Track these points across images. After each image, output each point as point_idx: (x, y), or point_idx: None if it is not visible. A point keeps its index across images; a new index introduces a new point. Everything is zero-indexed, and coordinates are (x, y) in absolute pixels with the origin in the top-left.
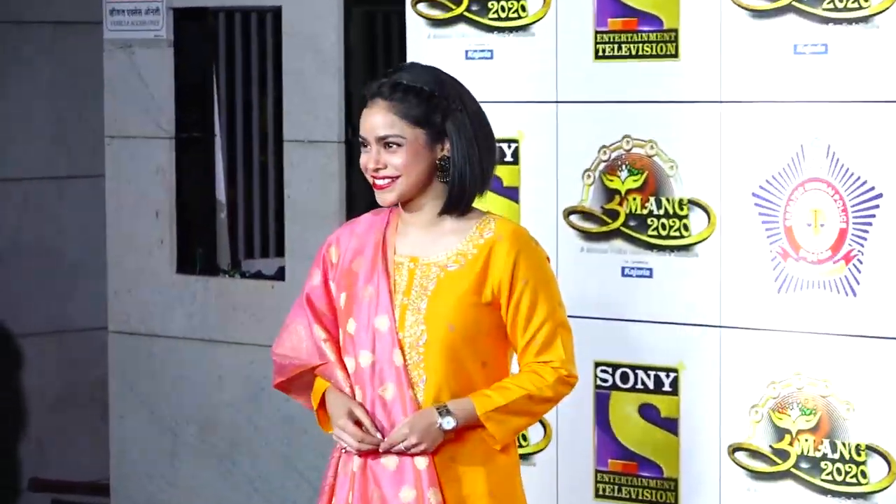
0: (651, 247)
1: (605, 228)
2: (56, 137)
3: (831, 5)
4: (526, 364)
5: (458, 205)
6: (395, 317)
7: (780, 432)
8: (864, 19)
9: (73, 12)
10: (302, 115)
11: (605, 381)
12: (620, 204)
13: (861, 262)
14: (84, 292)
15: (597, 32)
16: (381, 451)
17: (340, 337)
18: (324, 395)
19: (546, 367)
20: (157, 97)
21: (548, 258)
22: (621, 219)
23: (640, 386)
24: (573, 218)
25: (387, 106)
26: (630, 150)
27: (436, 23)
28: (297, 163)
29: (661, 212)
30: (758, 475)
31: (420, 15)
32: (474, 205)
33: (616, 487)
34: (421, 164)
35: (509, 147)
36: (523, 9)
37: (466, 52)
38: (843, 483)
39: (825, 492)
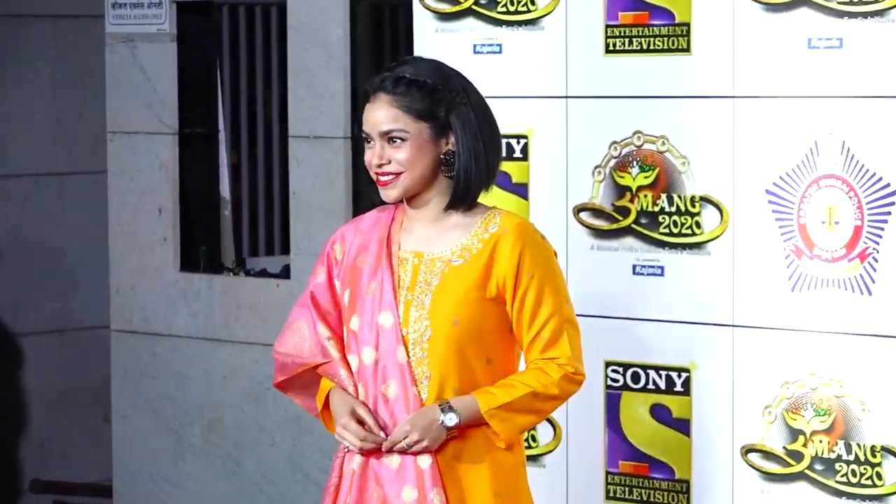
0: (662, 245)
1: (615, 226)
2: (57, 133)
3: None
4: (532, 361)
5: (463, 200)
6: (399, 313)
7: (794, 433)
8: (880, 13)
9: (75, 6)
10: (307, 111)
11: (615, 381)
12: (631, 201)
13: (876, 261)
14: (86, 290)
15: (607, 26)
16: (383, 450)
17: (344, 334)
18: (328, 395)
19: (552, 364)
20: (159, 92)
21: (555, 253)
22: (632, 216)
23: (651, 386)
24: (583, 215)
25: (390, 100)
26: (641, 146)
27: (443, 16)
28: (302, 159)
29: (673, 209)
30: (771, 477)
31: (427, 8)
32: (481, 200)
33: (627, 489)
34: (425, 158)
35: (518, 143)
36: (532, 2)
37: (474, 46)
38: (858, 485)
39: (840, 494)
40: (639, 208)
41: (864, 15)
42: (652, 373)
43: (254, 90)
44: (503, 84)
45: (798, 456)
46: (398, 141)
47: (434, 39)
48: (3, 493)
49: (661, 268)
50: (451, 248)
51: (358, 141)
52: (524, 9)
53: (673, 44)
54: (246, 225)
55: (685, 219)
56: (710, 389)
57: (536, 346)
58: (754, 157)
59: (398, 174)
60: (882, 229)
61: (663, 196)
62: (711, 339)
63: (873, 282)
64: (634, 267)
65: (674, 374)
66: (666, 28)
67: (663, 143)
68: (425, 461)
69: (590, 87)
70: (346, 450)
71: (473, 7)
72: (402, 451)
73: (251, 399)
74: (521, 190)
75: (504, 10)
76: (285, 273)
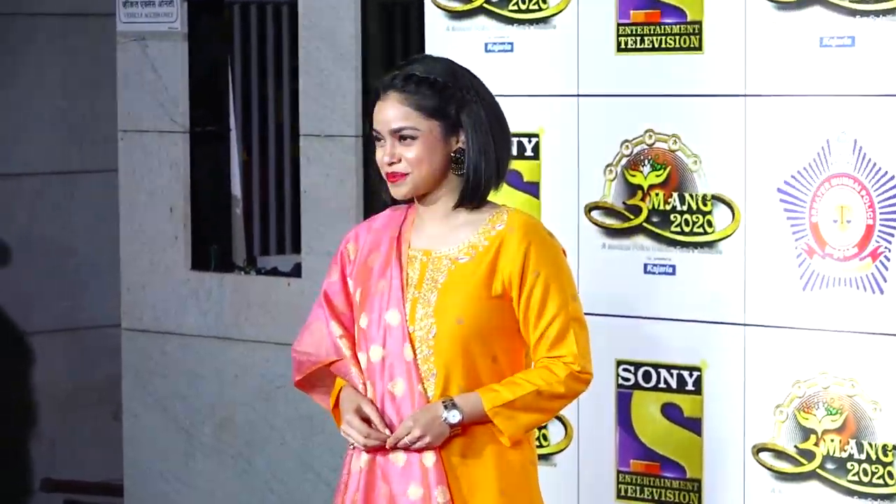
0: (674, 243)
1: (627, 224)
2: (68, 132)
3: None
4: (538, 360)
5: (472, 198)
6: (406, 311)
7: (806, 432)
8: (892, 11)
9: (86, 5)
10: (318, 109)
11: (627, 380)
12: (643, 199)
13: (888, 259)
14: (96, 289)
15: (619, 24)
16: (387, 446)
17: (355, 332)
18: (339, 393)
19: (557, 363)
20: (170, 91)
21: (563, 251)
22: (643, 215)
23: (662, 385)
24: (595, 214)
25: (400, 98)
26: (653, 144)
27: (455, 15)
28: (313, 157)
29: (685, 208)
30: (782, 476)
31: (439, 7)
32: (492, 198)
33: (638, 488)
34: (436, 156)
35: (530, 141)
36: (544, 0)
37: (486, 44)
38: (870, 484)
39: (851, 493)
40: (650, 207)
41: (877, 13)
42: (663, 372)
43: (265, 89)
44: (514, 82)
45: (809, 455)
46: (409, 139)
47: (445, 38)
48: (13, 492)
49: (673, 266)
50: (458, 245)
51: (369, 139)
52: (536, 7)
53: (685, 42)
54: (257, 223)
55: (697, 217)
56: (721, 388)
57: (543, 344)
58: (766, 155)
59: (408, 172)
60: (894, 228)
61: (675, 195)
62: (723, 338)
63: (885, 281)
64: (646, 266)
65: (685, 374)
66: (678, 26)
67: (675, 142)
68: (430, 459)
69: (601, 86)
70: (353, 448)
71: (485, 5)
72: (406, 448)
73: (262, 398)
74: (533, 188)
75: (515, 8)
76: (296, 272)
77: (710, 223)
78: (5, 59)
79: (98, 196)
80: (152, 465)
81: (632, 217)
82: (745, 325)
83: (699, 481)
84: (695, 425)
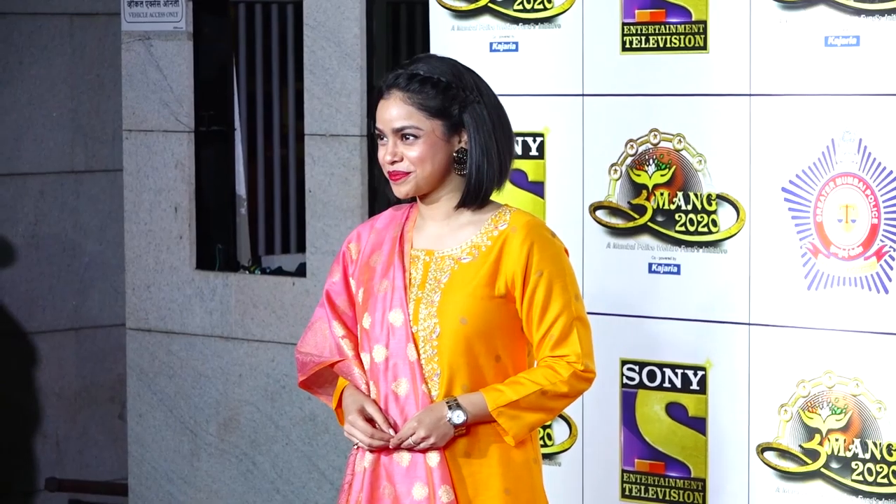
0: (679, 243)
1: (631, 224)
2: (73, 131)
3: None
4: (542, 359)
5: (474, 198)
6: (409, 311)
7: (810, 432)
8: None
9: (91, 4)
10: (323, 109)
11: (631, 379)
12: (648, 199)
13: (893, 259)
14: (102, 289)
15: (624, 24)
16: (391, 447)
17: (358, 333)
18: (342, 393)
19: (561, 362)
20: (175, 90)
21: (566, 251)
22: (648, 214)
23: (667, 384)
24: (599, 213)
25: (403, 97)
26: (657, 144)
27: (459, 14)
28: (318, 157)
29: (689, 207)
30: (787, 475)
31: (443, 6)
32: (494, 198)
33: (643, 487)
34: (438, 156)
35: (534, 141)
36: (549, 0)
37: (491, 44)
38: (874, 483)
39: (856, 492)
40: (655, 206)
41: (881, 13)
42: (668, 371)
43: (270, 88)
44: (519, 82)
45: (814, 454)
46: (411, 138)
47: (450, 37)
48: (19, 491)
49: (678, 266)
50: (461, 245)
51: (374, 139)
52: (540, 7)
53: (689, 42)
54: (262, 223)
55: (701, 217)
56: (726, 388)
57: (546, 343)
58: (771, 155)
59: (410, 171)
60: None
61: (679, 194)
62: (727, 337)
63: (890, 280)
64: (650, 265)
65: (690, 373)
66: (682, 26)
67: (680, 141)
68: (434, 458)
69: (606, 85)
70: (357, 448)
71: (490, 5)
72: (410, 449)
73: (267, 398)
74: (538, 188)
75: (520, 7)
76: (301, 271)
77: (714, 222)
78: (11, 58)
79: (104, 195)
80: (157, 464)
81: (636, 216)
82: (749, 324)
83: (704, 481)
84: (699, 425)
